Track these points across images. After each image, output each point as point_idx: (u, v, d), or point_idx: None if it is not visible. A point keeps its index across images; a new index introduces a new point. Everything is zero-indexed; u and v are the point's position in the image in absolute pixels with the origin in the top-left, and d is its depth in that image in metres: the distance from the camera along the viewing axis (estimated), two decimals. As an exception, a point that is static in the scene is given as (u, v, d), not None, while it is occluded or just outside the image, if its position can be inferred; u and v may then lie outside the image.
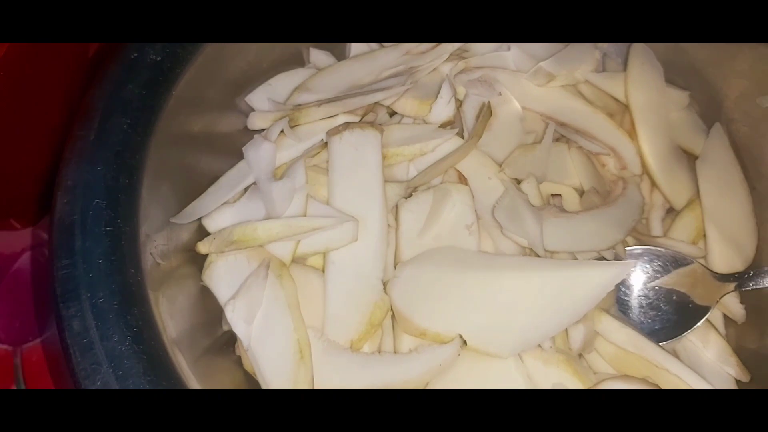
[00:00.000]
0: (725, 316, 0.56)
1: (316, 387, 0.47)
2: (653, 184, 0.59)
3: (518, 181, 0.55)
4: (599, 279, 0.46)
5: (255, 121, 0.57)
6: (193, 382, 0.42)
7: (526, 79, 0.59)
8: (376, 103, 0.57)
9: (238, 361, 0.51)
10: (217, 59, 0.52)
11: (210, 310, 0.50)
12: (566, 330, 0.49)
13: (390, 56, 0.60)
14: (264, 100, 0.58)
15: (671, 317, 0.53)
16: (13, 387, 0.63)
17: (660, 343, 0.51)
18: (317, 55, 0.62)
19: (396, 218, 0.52)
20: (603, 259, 0.52)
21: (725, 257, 0.55)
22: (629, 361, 0.50)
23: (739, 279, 0.53)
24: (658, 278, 0.54)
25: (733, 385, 0.53)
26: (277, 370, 0.47)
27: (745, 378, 0.52)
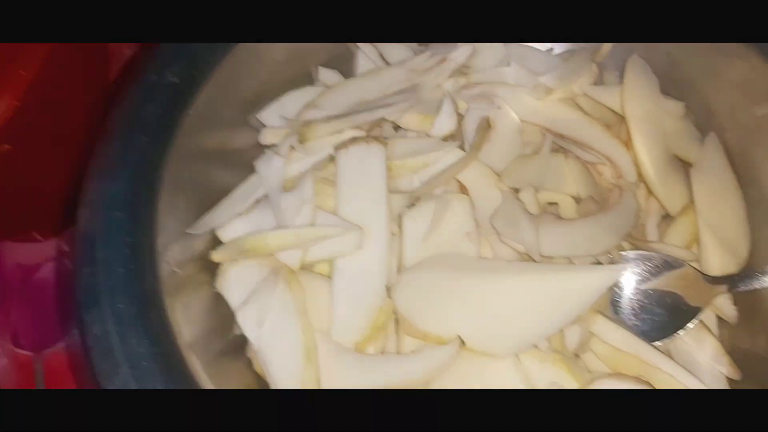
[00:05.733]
0: (719, 318, 0.57)
1: (322, 387, 0.48)
2: (649, 192, 0.59)
3: (517, 191, 0.56)
4: (592, 282, 0.48)
5: (266, 137, 0.58)
6: (207, 383, 0.43)
7: (526, 93, 0.60)
8: (382, 118, 0.58)
9: (249, 364, 0.52)
10: (230, 80, 0.53)
11: (223, 315, 0.51)
12: (562, 331, 0.50)
13: (395, 74, 0.60)
14: (275, 117, 0.59)
15: (664, 319, 0.54)
16: (34, 392, 0.65)
17: (654, 343, 0.52)
18: (326, 73, 0.63)
19: (400, 226, 0.53)
20: (598, 263, 0.53)
21: (720, 260, 0.56)
22: (623, 361, 0.51)
23: (730, 281, 0.54)
24: (651, 281, 0.55)
25: (725, 383, 0.53)
26: (285, 371, 0.48)
27: (736, 376, 0.53)
